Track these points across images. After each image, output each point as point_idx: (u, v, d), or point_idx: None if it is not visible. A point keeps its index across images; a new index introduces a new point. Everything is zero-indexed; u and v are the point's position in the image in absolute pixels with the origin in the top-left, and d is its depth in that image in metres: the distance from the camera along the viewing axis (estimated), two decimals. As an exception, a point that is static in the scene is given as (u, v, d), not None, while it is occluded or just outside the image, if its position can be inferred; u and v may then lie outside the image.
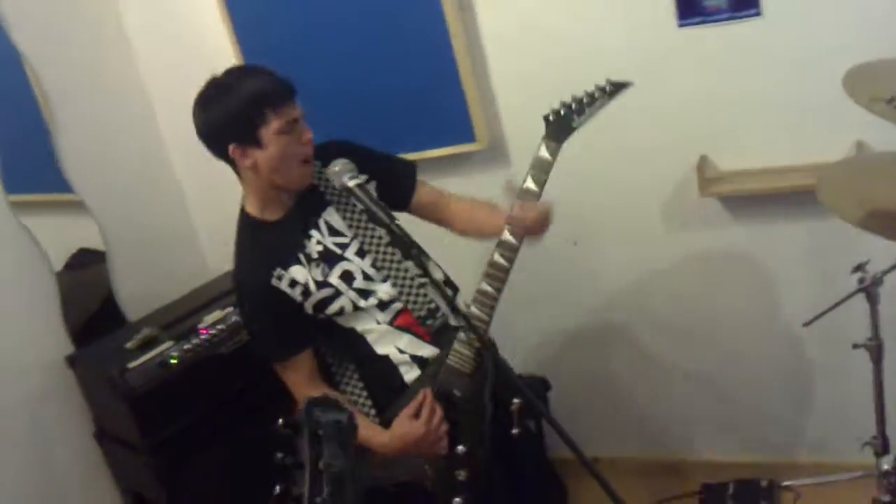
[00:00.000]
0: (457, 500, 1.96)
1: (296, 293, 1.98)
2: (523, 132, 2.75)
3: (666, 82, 2.52)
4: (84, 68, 3.04)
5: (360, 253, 2.02)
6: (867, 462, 2.41)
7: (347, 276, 2.00)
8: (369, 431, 1.96)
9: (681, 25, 2.44)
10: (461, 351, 1.97)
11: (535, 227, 2.00)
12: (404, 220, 1.98)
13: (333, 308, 1.99)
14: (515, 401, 1.89)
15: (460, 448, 1.97)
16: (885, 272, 2.12)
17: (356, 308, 2.00)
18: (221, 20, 2.94)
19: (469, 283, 2.03)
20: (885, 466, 2.18)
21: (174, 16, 3.10)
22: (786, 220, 2.55)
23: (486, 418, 2.00)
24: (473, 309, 1.95)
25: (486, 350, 1.93)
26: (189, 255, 3.35)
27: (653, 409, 3.00)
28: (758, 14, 2.35)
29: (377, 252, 2.03)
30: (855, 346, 2.20)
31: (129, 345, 2.71)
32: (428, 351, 2.02)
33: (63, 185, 2.94)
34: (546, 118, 2.03)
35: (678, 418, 2.98)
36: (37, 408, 2.73)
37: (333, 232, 2.03)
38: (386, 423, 2.00)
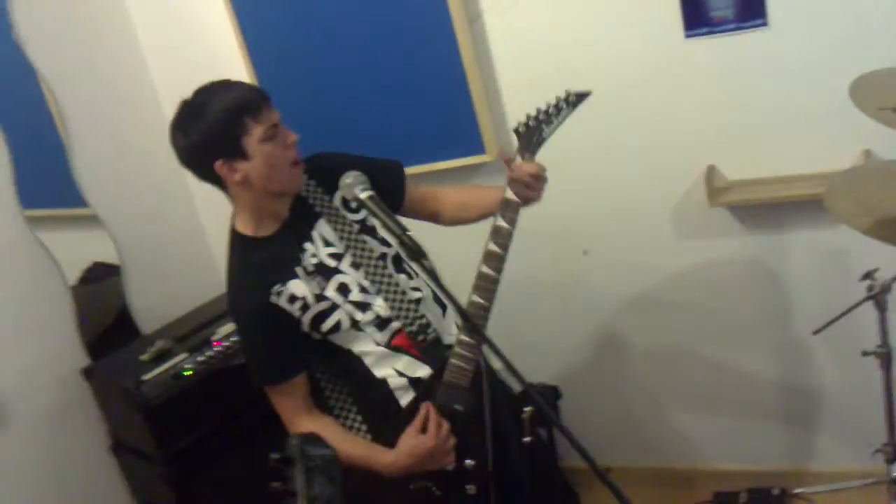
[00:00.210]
0: None
1: (294, 308, 1.93)
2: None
3: (673, 93, 2.54)
4: (99, 84, 3.08)
5: (355, 265, 2.00)
6: (878, 469, 2.42)
7: (343, 289, 1.96)
8: (373, 452, 1.93)
9: (688, 36, 2.46)
10: (458, 364, 1.93)
11: (534, 182, 2.00)
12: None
13: (330, 322, 1.94)
14: (526, 409, 1.88)
15: (468, 462, 1.94)
16: (894, 280, 2.13)
17: (353, 323, 1.95)
18: (235, 37, 2.97)
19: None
20: (896, 473, 2.18)
21: (188, 32, 3.14)
22: (794, 228, 2.55)
23: (491, 428, 1.98)
24: (475, 297, 1.91)
25: (482, 357, 1.93)
26: (202, 268, 3.37)
27: (664, 418, 3.00)
28: (764, 24, 2.36)
29: (368, 265, 2.01)
30: (865, 354, 2.21)
31: (143, 357, 2.75)
32: (425, 371, 1.99)
33: (78, 200, 2.97)
34: (516, 131, 2.01)
35: (690, 427, 2.98)
36: (53, 420, 2.75)
37: (327, 244, 2.00)
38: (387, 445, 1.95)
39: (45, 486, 2.71)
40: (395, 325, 1.99)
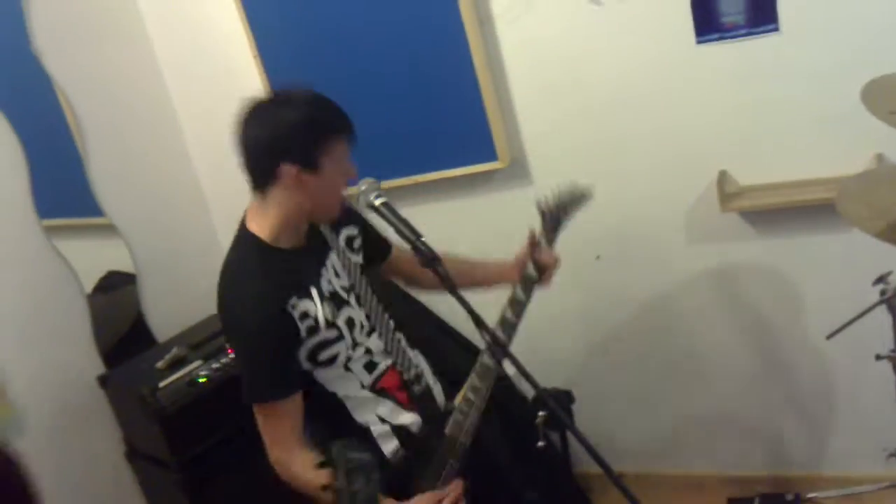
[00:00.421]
0: None
1: (303, 327, 1.86)
2: (545, 150, 2.79)
3: (684, 98, 2.55)
4: (115, 94, 3.11)
5: (360, 303, 1.99)
6: (893, 473, 2.41)
7: (350, 323, 1.94)
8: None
9: (699, 42, 2.46)
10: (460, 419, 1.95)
11: (553, 270, 2.18)
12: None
13: (329, 353, 1.90)
14: (541, 413, 1.89)
15: None
16: (907, 284, 2.14)
17: (347, 359, 1.93)
18: (249, 47, 3.00)
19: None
20: (912, 477, 2.18)
21: (203, 43, 3.17)
22: (807, 233, 2.55)
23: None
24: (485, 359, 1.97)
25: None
26: (217, 276, 3.38)
27: (677, 424, 3.00)
28: (776, 29, 2.36)
29: (370, 305, 2.01)
30: (878, 358, 2.21)
31: (159, 364, 2.77)
32: (408, 418, 1.98)
33: (94, 209, 3.00)
34: (541, 211, 2.19)
35: (703, 433, 2.98)
36: (69, 427, 2.78)
37: (338, 275, 1.99)
38: (400, 484, 1.91)
39: (61, 492, 2.72)
40: (386, 363, 1.98)
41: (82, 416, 2.81)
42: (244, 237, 1.93)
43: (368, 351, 1.96)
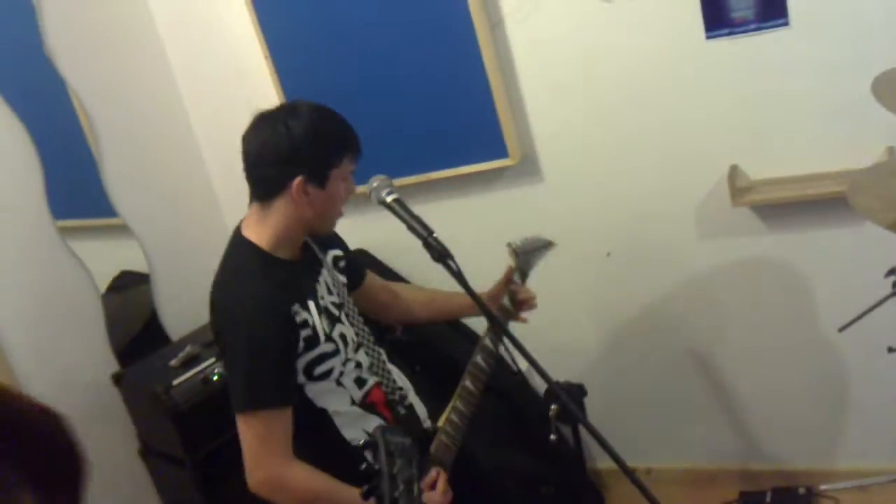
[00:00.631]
0: None
1: (302, 337, 1.86)
2: (555, 147, 2.80)
3: (694, 94, 2.55)
4: (127, 95, 3.12)
5: (349, 320, 2.00)
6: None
7: (343, 338, 1.95)
8: None
9: (709, 37, 2.46)
10: (445, 442, 1.94)
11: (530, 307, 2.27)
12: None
13: (325, 367, 1.90)
14: (553, 406, 1.90)
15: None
16: (920, 275, 2.13)
17: (340, 377, 1.93)
18: (260, 49, 3.01)
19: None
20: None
21: (214, 44, 3.18)
22: (818, 227, 2.55)
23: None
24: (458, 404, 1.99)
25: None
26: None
27: (689, 418, 3.00)
28: (786, 24, 2.36)
29: (357, 324, 2.02)
30: (891, 350, 2.20)
31: (172, 362, 2.78)
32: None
33: (107, 210, 3.02)
34: (514, 251, 2.30)
35: (715, 426, 2.97)
36: (83, 425, 2.74)
37: (330, 292, 2.00)
38: None
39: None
40: (373, 380, 1.99)
41: (97, 414, 2.82)
42: (241, 244, 1.93)
43: (358, 366, 1.97)
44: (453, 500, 1.85)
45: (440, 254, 1.88)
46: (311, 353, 1.87)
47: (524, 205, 2.87)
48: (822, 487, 2.70)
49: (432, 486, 1.88)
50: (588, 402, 2.92)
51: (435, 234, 1.90)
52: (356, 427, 1.95)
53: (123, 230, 3.05)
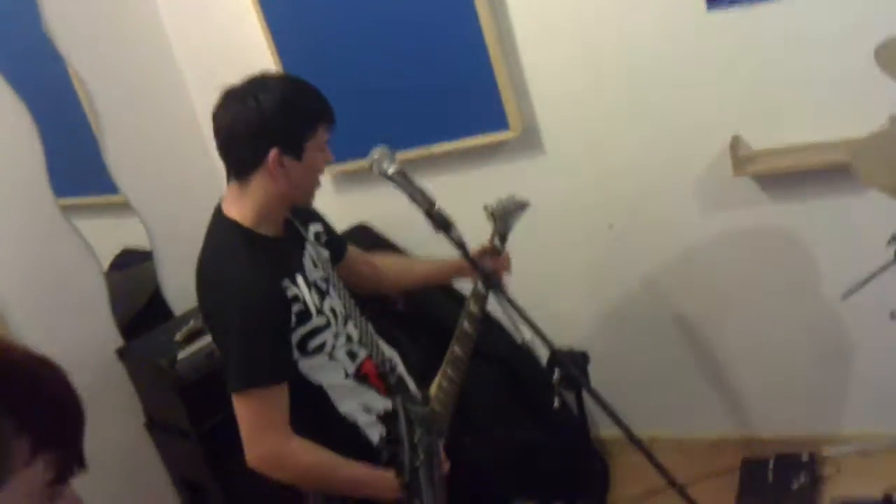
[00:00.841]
0: None
1: (294, 312, 1.82)
2: (556, 119, 2.79)
3: (696, 65, 2.54)
4: (127, 72, 3.12)
5: (336, 292, 1.98)
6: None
7: (333, 312, 1.92)
8: (378, 475, 1.81)
9: (710, 9, 2.45)
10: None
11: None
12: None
13: (318, 341, 1.86)
14: (556, 373, 1.89)
15: None
16: (922, 242, 2.13)
17: (332, 350, 1.90)
18: (258, 22, 3.00)
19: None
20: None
21: (214, 21, 3.18)
22: (821, 196, 2.55)
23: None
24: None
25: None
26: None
27: (691, 386, 3.01)
28: (787, -8, 2.36)
29: (344, 296, 2.01)
30: (893, 316, 2.21)
31: (177, 337, 2.80)
32: (391, 405, 1.92)
33: (109, 187, 3.03)
34: (492, 214, 2.30)
35: (718, 395, 2.99)
36: (89, 399, 2.79)
37: (316, 266, 1.97)
38: None
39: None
40: (363, 352, 1.97)
41: (102, 388, 2.84)
42: (223, 223, 1.88)
43: (349, 339, 1.95)
44: (451, 469, 1.85)
45: (442, 224, 1.88)
46: (304, 327, 1.84)
47: (526, 178, 2.87)
48: (825, 454, 2.72)
49: None
50: (590, 371, 2.94)
51: (437, 205, 1.90)
52: (352, 401, 1.94)
53: (124, 208, 3.06)
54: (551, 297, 2.92)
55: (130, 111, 3.10)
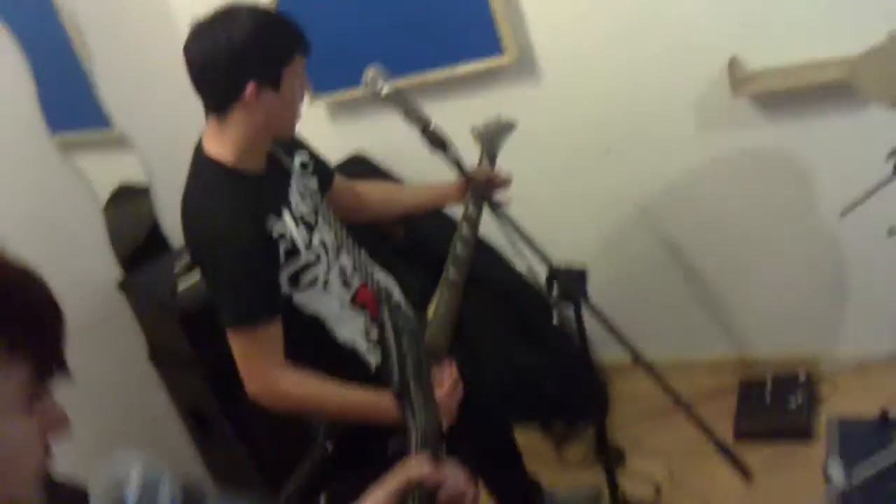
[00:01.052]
0: None
1: (282, 249, 1.82)
2: (552, 44, 2.76)
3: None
4: (115, 2, 3.06)
5: (326, 222, 1.97)
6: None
7: (323, 244, 1.91)
8: (379, 397, 1.79)
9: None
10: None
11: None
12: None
13: (310, 276, 1.87)
14: (555, 290, 1.89)
15: None
16: (922, 156, 2.12)
17: (326, 282, 1.90)
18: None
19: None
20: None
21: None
22: (819, 115, 2.53)
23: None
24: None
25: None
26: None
27: (689, 308, 3.03)
28: None
29: (334, 226, 2.00)
30: (891, 234, 2.20)
31: (176, 269, 2.80)
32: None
33: (103, 120, 3.00)
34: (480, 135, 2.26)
35: (715, 316, 3.01)
36: (92, 333, 2.81)
37: (303, 198, 1.95)
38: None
39: (86, 398, 2.76)
40: (358, 280, 1.97)
41: (104, 322, 2.86)
42: (205, 164, 1.84)
43: (342, 270, 1.95)
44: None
45: (439, 143, 1.87)
46: (294, 264, 1.84)
47: (522, 104, 2.83)
48: (822, 371, 2.74)
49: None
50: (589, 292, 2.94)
51: (433, 124, 1.89)
52: (351, 327, 1.95)
53: (119, 144, 3.03)
54: (550, 223, 2.91)
55: (122, 45, 3.05)
